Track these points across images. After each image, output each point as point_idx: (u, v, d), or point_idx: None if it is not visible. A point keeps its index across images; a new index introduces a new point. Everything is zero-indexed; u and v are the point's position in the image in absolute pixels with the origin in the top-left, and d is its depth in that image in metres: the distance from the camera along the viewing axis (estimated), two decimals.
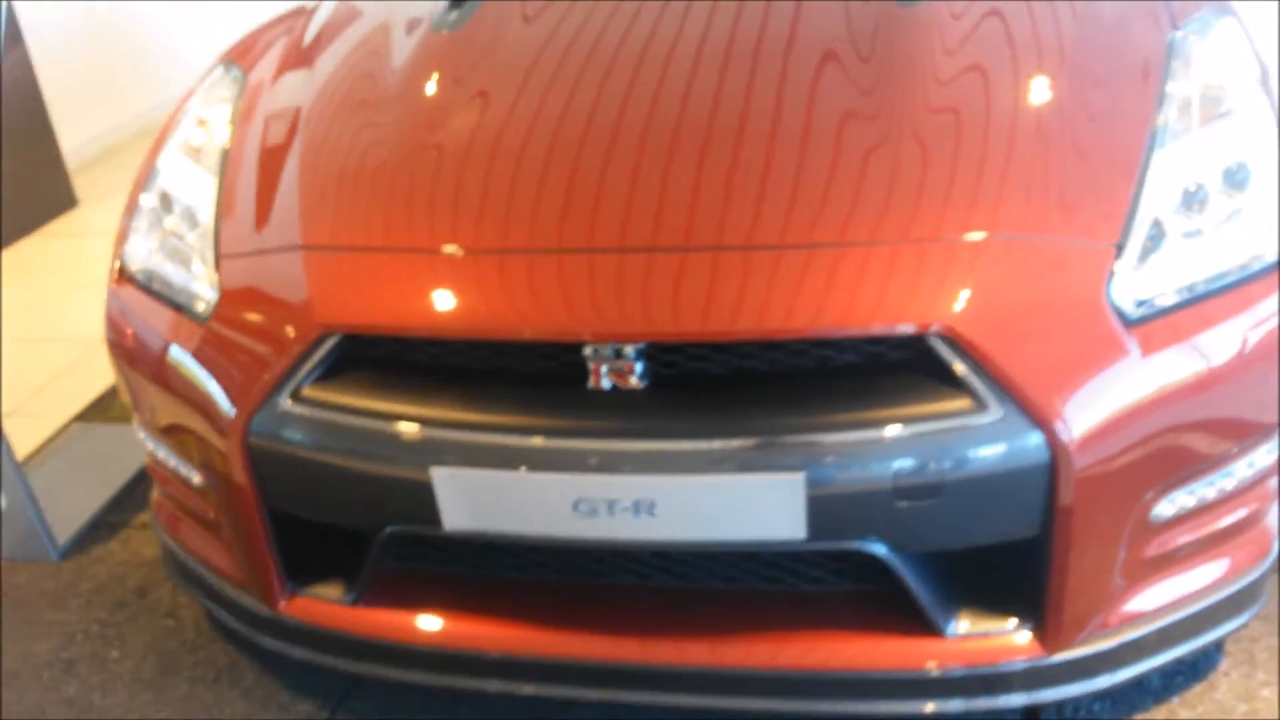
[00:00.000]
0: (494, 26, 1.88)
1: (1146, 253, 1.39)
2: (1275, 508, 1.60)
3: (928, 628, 1.44)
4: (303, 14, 2.17)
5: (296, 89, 1.86)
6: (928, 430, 1.29)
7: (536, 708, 1.68)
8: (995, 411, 1.29)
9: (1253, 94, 1.56)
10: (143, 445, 1.81)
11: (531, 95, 1.67)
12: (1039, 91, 1.56)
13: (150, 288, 1.69)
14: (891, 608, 1.45)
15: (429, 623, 1.57)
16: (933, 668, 1.42)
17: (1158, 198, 1.42)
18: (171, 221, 1.74)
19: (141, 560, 2.13)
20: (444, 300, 1.43)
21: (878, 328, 1.31)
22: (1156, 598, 1.48)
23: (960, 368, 1.30)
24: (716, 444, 1.31)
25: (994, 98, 1.55)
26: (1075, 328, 1.33)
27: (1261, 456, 1.48)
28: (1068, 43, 1.66)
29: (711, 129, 1.53)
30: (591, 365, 1.37)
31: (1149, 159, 1.45)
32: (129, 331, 1.69)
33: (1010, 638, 1.44)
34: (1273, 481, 1.56)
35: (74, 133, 4.38)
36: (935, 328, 1.30)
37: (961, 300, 1.31)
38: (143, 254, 1.73)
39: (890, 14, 1.73)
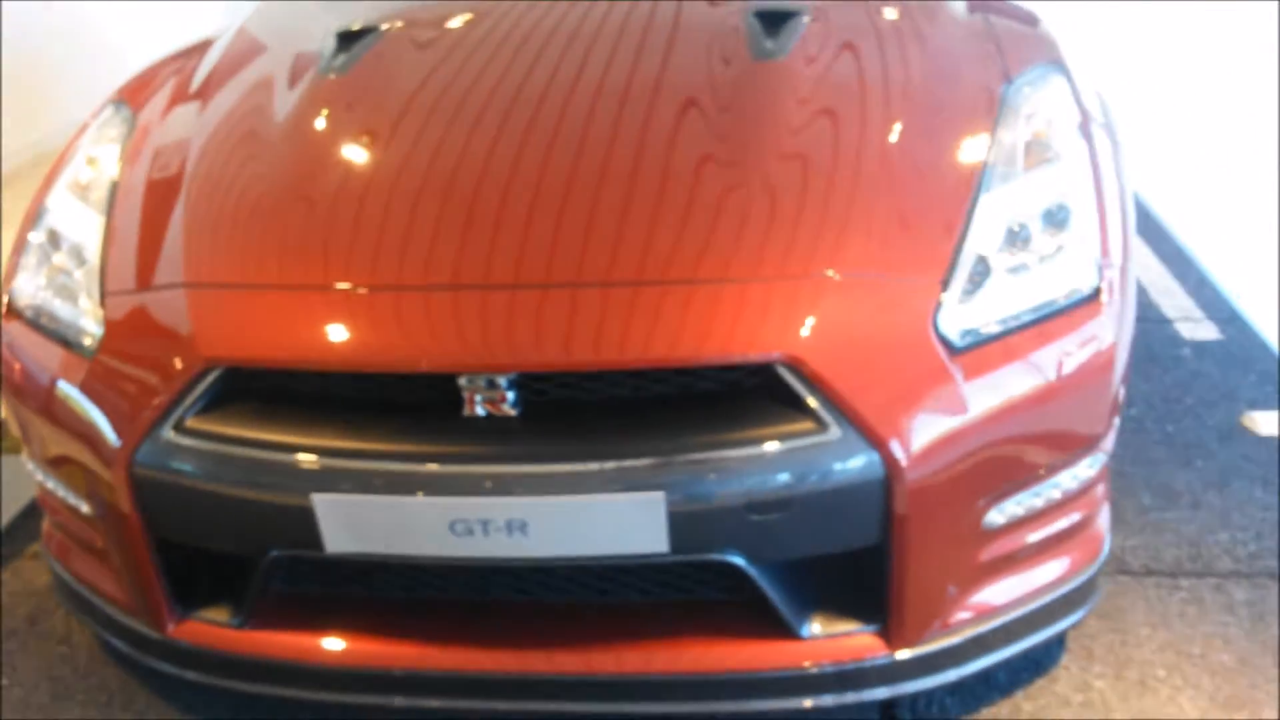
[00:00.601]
0: (377, 74, 1.96)
1: (971, 287, 1.52)
2: (1104, 512, 1.76)
3: (785, 631, 1.55)
4: (195, 53, 2.22)
5: (184, 129, 1.91)
6: (774, 450, 1.41)
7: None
8: (835, 432, 1.41)
9: (1074, 142, 1.72)
10: (33, 477, 1.84)
11: (406, 140, 1.76)
12: (879, 139, 1.69)
13: (38, 323, 1.72)
14: (752, 614, 1.56)
15: (313, 642, 1.63)
16: (789, 667, 1.54)
17: (982, 237, 1.56)
18: (59, 258, 1.77)
19: (33, 589, 2.14)
20: (321, 334, 1.50)
21: (727, 357, 1.42)
22: (995, 597, 1.61)
23: (803, 393, 1.42)
24: (582, 466, 1.41)
25: (839, 145, 1.68)
26: (906, 356, 1.46)
27: (1084, 469, 1.62)
28: (908, 93, 1.80)
29: (575, 171, 1.64)
30: (466, 394, 1.46)
31: (975, 202, 1.59)
32: (17, 366, 1.72)
33: (858, 638, 1.56)
34: (1100, 488, 1.72)
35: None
36: (780, 356, 1.42)
37: (804, 332, 1.43)
38: (30, 290, 1.77)
39: (748, 68, 1.86)
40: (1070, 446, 1.58)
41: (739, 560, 1.48)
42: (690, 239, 1.52)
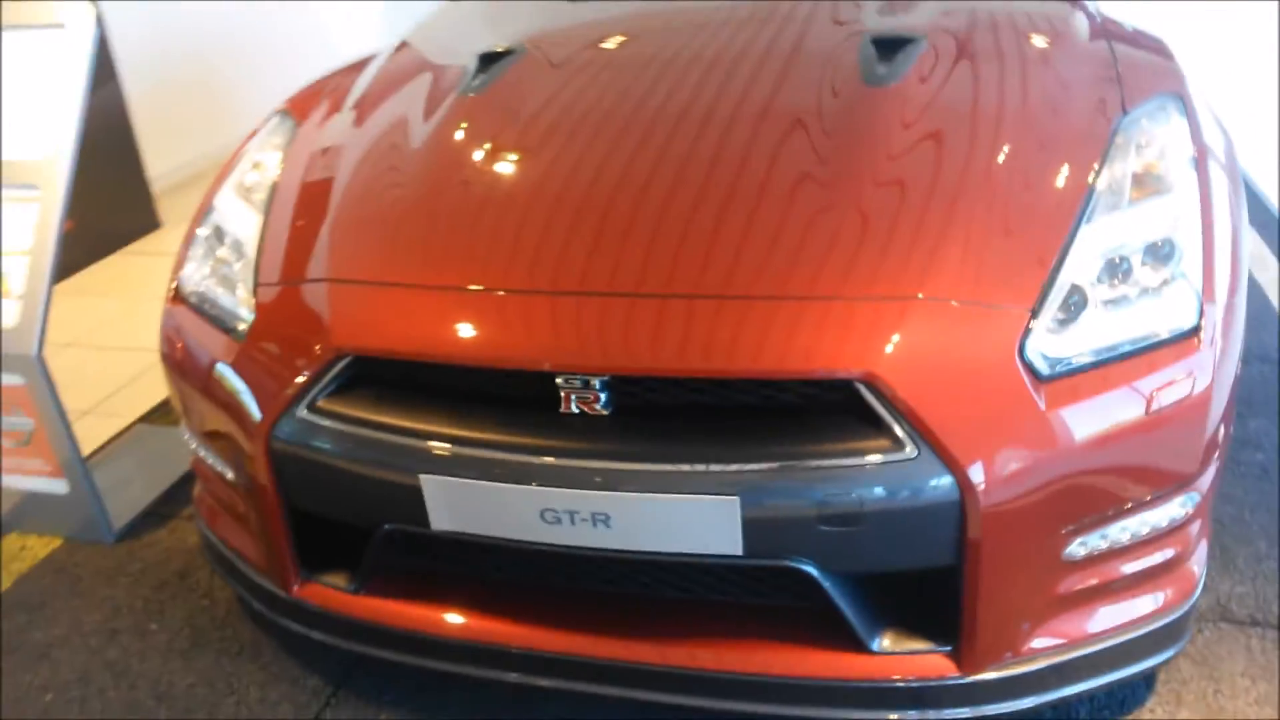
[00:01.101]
0: (512, 93, 2.10)
1: (1065, 317, 1.54)
2: (1200, 551, 1.73)
3: (855, 643, 1.60)
4: (354, 70, 2.43)
5: (338, 140, 2.10)
6: (850, 465, 1.46)
7: (517, 695, 1.87)
8: (910, 452, 1.46)
9: (1185, 176, 1.70)
10: (188, 446, 2.06)
11: (532, 156, 1.89)
12: (983, 166, 1.72)
13: (200, 309, 1.93)
14: (823, 624, 1.62)
15: (420, 612, 1.77)
16: (857, 678, 1.58)
17: (1078, 267, 1.57)
18: (222, 252, 1.99)
19: (185, 547, 2.38)
20: (439, 330, 1.64)
21: (807, 373, 1.49)
22: (1074, 629, 1.61)
23: (881, 411, 1.47)
24: (661, 467, 1.50)
25: (940, 170, 1.71)
26: (988, 381, 1.49)
27: (1175, 508, 1.61)
28: (1019, 120, 1.82)
29: (678, 188, 1.73)
30: (563, 393, 1.57)
31: (1075, 232, 1.61)
32: (179, 346, 1.93)
33: (929, 657, 1.59)
34: (1195, 527, 1.69)
35: (160, 160, 4.74)
36: (859, 374, 1.47)
37: (886, 352, 1.48)
38: (196, 279, 1.99)
39: (859, 93, 1.92)
40: (1159, 484, 1.57)
41: (810, 569, 1.54)
42: (780, 256, 1.59)
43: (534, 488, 1.55)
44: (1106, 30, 2.19)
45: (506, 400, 1.63)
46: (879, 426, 1.48)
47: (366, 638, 1.82)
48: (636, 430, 1.55)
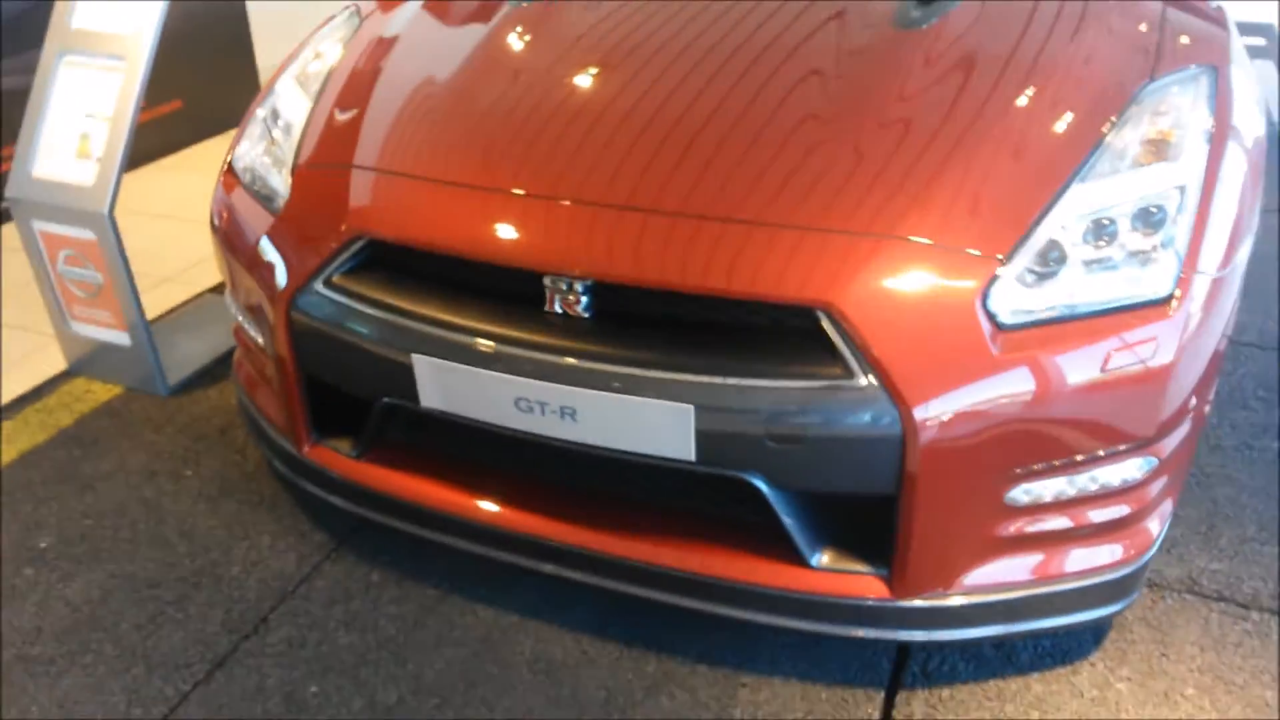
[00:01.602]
0: (556, 11, 2.18)
1: (1042, 271, 1.57)
2: (1159, 516, 1.75)
3: (797, 557, 1.69)
4: None
5: (393, 37, 2.22)
6: (799, 387, 1.54)
7: (497, 570, 2.01)
8: (860, 381, 1.52)
9: (1196, 147, 1.70)
10: (231, 313, 2.23)
11: (559, 70, 1.98)
12: (993, 112, 1.74)
13: (249, 185, 2.08)
14: (771, 536, 1.70)
15: (409, 483, 1.92)
16: (794, 589, 1.68)
17: (1061, 224, 1.60)
18: (276, 133, 2.13)
19: (229, 407, 2.58)
20: (447, 223, 1.75)
21: (774, 297, 1.56)
22: (1011, 572, 1.67)
23: (838, 341, 1.54)
24: (626, 370, 1.59)
25: (948, 115, 1.74)
26: (945, 324, 1.53)
27: (1130, 470, 1.64)
28: (1044, 73, 1.83)
29: (688, 114, 1.80)
30: (548, 293, 1.68)
31: (1066, 189, 1.63)
32: (225, 217, 2.09)
33: (863, 578, 1.67)
34: (1153, 491, 1.71)
35: (269, 52, 4.92)
36: (822, 303, 1.54)
37: (849, 285, 1.54)
38: (249, 157, 2.13)
39: (887, 34, 1.94)
40: (1110, 443, 1.60)
41: (759, 482, 1.63)
42: (768, 184, 1.65)
43: (510, 376, 1.66)
44: None
45: (499, 294, 1.74)
46: (834, 354, 1.54)
47: (361, 500, 1.98)
48: (608, 334, 1.64)
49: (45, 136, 2.49)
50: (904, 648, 1.86)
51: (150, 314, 2.87)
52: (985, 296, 1.55)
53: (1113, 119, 1.73)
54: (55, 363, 2.77)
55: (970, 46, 1.91)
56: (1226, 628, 1.89)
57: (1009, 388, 1.53)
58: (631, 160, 1.74)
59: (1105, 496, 1.66)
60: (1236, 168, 1.75)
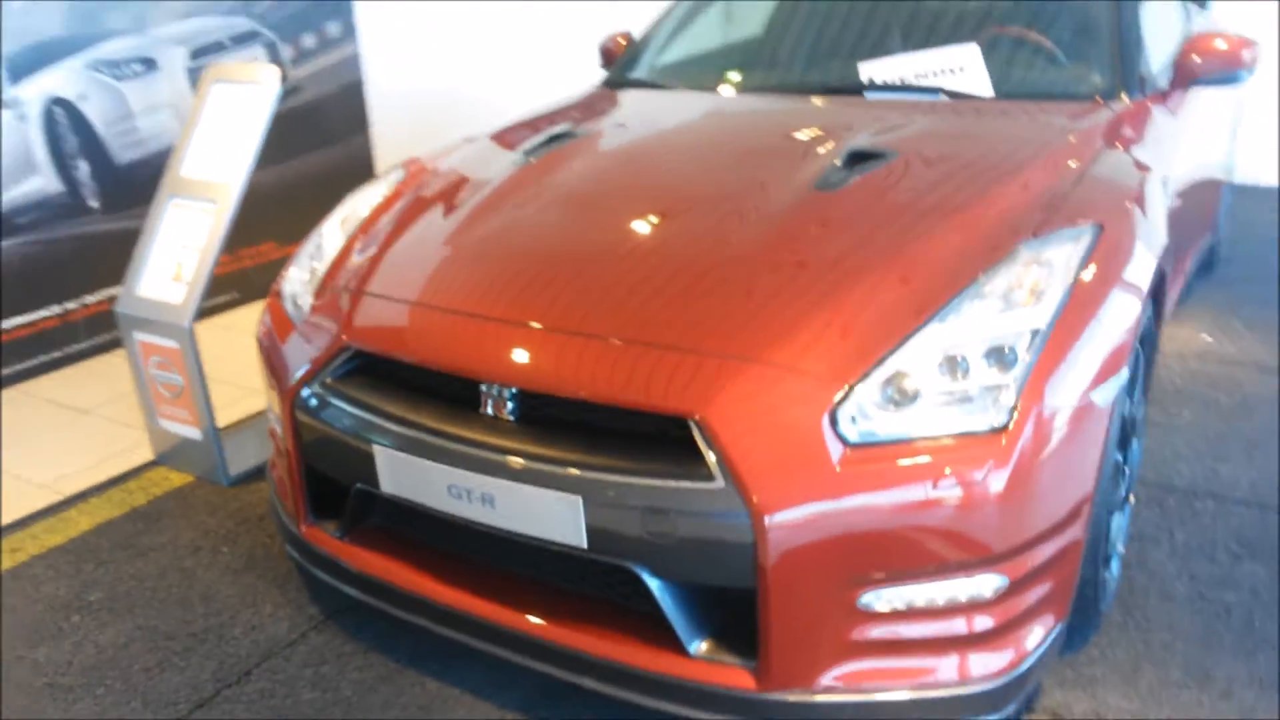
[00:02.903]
0: (548, 165, 2.58)
1: (893, 397, 1.78)
2: (1027, 638, 1.86)
3: (677, 645, 1.88)
4: (466, 142, 2.99)
5: (417, 190, 2.65)
6: (667, 485, 1.77)
7: (456, 650, 2.26)
8: (719, 484, 1.75)
9: (1052, 298, 1.88)
10: (269, 416, 2.63)
11: (525, 217, 2.35)
12: (877, 260, 1.99)
13: (286, 305, 2.50)
14: (658, 624, 1.90)
15: (378, 562, 2.21)
16: (667, 673, 1.86)
17: (911, 358, 1.80)
18: (314, 264, 2.56)
19: (267, 498, 2.96)
20: (409, 338, 2.11)
21: (659, 407, 1.81)
22: (868, 675, 1.81)
23: (704, 447, 1.77)
24: (531, 464, 1.87)
25: (834, 264, 2.00)
26: (795, 439, 1.75)
27: (979, 586, 1.78)
28: (939, 225, 2.06)
29: (621, 254, 2.13)
30: (483, 398, 1.99)
31: (924, 327, 1.84)
32: (265, 331, 2.51)
33: (734, 670, 1.84)
34: (1016, 606, 1.83)
35: (386, 158, 5.54)
36: (694, 415, 1.78)
37: (716, 400, 1.78)
38: (291, 283, 2.56)
39: (804, 195, 2.24)
40: (948, 560, 1.75)
41: (642, 571, 1.85)
42: (666, 313, 1.94)
43: (444, 466, 1.96)
44: (1103, 139, 2.38)
45: (448, 397, 2.06)
46: (699, 460, 1.78)
47: (341, 576, 2.29)
48: (525, 434, 1.93)
49: (150, 263, 3.02)
50: None
51: (231, 417, 3.33)
52: (834, 417, 1.76)
53: (988, 268, 1.94)
54: (146, 454, 3.24)
55: (878, 203, 2.18)
56: None
57: (850, 499, 1.72)
58: (563, 291, 2.06)
59: (958, 610, 1.80)
60: (1104, 313, 1.92)
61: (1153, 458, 3.03)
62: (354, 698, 2.17)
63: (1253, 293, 4.38)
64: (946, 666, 1.83)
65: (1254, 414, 3.28)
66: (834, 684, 1.81)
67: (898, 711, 1.82)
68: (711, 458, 1.76)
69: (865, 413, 1.77)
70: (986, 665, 1.84)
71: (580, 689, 1.98)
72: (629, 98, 3.25)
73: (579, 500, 1.83)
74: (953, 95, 2.86)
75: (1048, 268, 1.95)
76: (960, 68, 2.91)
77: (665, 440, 1.84)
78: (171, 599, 2.52)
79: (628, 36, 3.78)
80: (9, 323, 4.01)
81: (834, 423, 1.76)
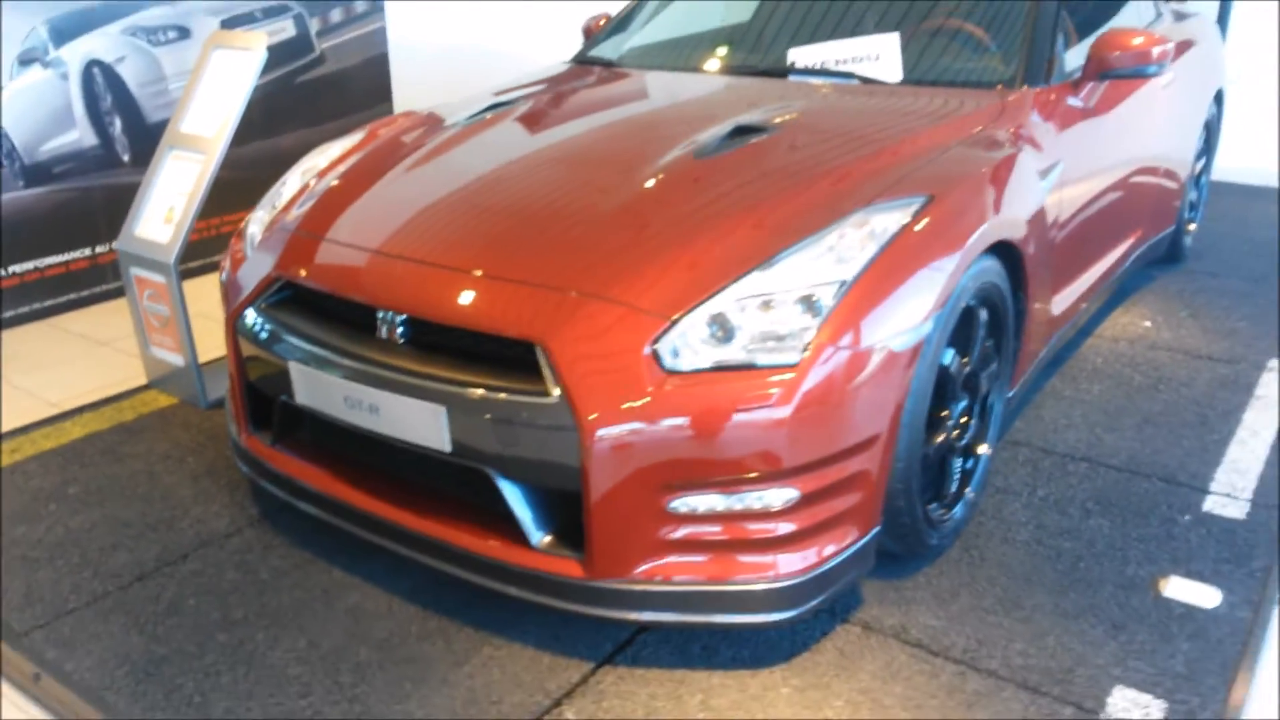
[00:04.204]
0: (479, 128, 2.89)
1: (720, 333, 2.05)
2: (819, 544, 2.12)
3: (522, 539, 2.19)
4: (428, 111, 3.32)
5: (364, 150, 2.98)
6: (511, 398, 2.08)
7: (364, 546, 2.59)
8: (553, 398, 2.04)
9: (865, 253, 2.14)
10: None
11: (447, 172, 2.66)
12: (723, 218, 2.26)
13: (244, 240, 2.86)
14: (511, 520, 2.21)
15: (298, 466, 2.56)
16: (511, 562, 2.17)
17: (736, 299, 2.07)
18: (274, 205, 2.91)
19: None
20: (324, 271, 2.44)
21: (513, 333, 2.12)
22: (677, 569, 2.10)
23: (544, 367, 2.07)
24: (406, 378, 2.19)
25: (691, 218, 2.27)
26: (620, 363, 2.04)
27: (774, 498, 2.05)
28: (789, 190, 2.33)
29: (506, 208, 2.43)
30: (378, 323, 2.31)
31: (747, 274, 2.11)
32: (227, 264, 2.86)
33: (567, 561, 2.14)
34: (808, 517, 2.09)
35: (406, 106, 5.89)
36: (537, 339, 2.08)
37: (560, 330, 2.08)
38: (254, 220, 2.91)
39: (684, 160, 2.52)
40: (744, 472, 2.02)
41: (493, 473, 2.16)
42: (528, 254, 2.25)
43: (342, 380, 2.29)
44: (984, 123, 2.66)
45: (353, 323, 2.39)
46: (542, 379, 2.08)
47: (270, 478, 2.64)
48: (406, 354, 2.25)
49: (148, 208, 3.41)
50: (635, 633, 2.28)
51: (216, 351, 3.71)
52: (656, 347, 2.04)
53: (821, 227, 2.20)
54: (141, 378, 3.64)
55: (743, 169, 2.45)
56: (905, 667, 2.20)
57: (662, 416, 2.01)
58: (449, 234, 2.38)
59: (755, 516, 2.07)
60: (907, 276, 2.17)
61: (1045, 425, 3.24)
62: (269, 580, 2.51)
63: (1211, 285, 4.52)
64: (746, 565, 2.10)
65: (1160, 394, 3.46)
66: (647, 574, 2.10)
67: (703, 601, 2.11)
68: (550, 377, 2.06)
69: (687, 344, 2.05)
70: (783, 566, 2.11)
71: (456, 580, 2.29)
72: (580, 74, 3.54)
73: (443, 410, 2.14)
74: (864, 80, 3.10)
75: (870, 230, 2.20)
76: (877, 55, 3.14)
77: (518, 362, 2.14)
78: (136, 495, 2.90)
79: (607, 17, 4.07)
80: (43, 261, 4.45)
81: (656, 352, 2.04)
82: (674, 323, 2.06)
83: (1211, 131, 4.91)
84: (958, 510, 2.60)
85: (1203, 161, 4.88)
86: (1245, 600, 2.40)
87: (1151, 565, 2.53)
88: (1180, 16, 4.61)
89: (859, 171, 2.44)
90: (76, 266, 4.59)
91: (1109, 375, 3.61)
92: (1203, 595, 2.41)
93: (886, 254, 2.16)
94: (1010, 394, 2.87)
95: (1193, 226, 4.95)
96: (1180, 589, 2.44)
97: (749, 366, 2.03)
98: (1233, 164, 6.75)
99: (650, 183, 2.45)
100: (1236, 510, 2.77)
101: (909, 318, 2.16)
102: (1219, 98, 4.84)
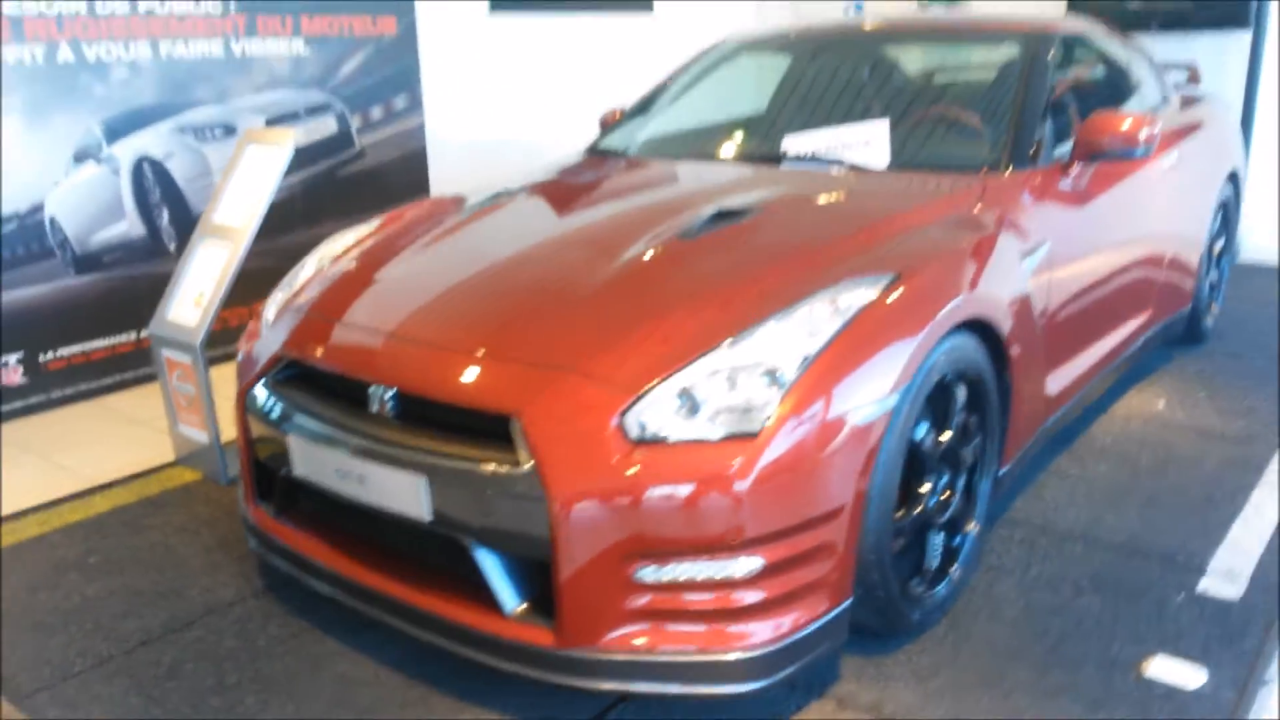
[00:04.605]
0: (478, 217, 3.05)
1: (683, 405, 2.13)
2: (789, 615, 2.15)
3: (496, 607, 2.25)
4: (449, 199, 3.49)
5: (376, 237, 3.14)
6: (487, 468, 2.17)
7: (360, 618, 2.67)
8: (526, 468, 2.13)
9: (828, 329, 2.22)
10: None
11: (436, 258, 2.81)
12: (694, 297, 2.36)
13: (262, 320, 3.01)
14: (485, 589, 2.28)
15: (297, 537, 2.66)
16: (484, 630, 2.23)
17: (706, 373, 2.16)
18: (289, 289, 3.07)
19: None
20: (326, 350, 2.58)
21: (491, 406, 2.22)
22: (645, 638, 2.14)
23: (519, 438, 2.16)
24: (390, 449, 2.29)
25: (662, 299, 2.38)
26: (590, 438, 2.12)
27: (740, 567, 2.10)
28: (760, 271, 2.43)
29: (490, 290, 2.57)
30: (370, 398, 2.43)
31: (714, 350, 2.19)
32: (245, 342, 3.02)
33: (539, 629, 2.20)
34: (775, 587, 2.13)
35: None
36: (513, 412, 2.18)
37: (534, 403, 2.18)
38: (272, 301, 3.07)
39: (668, 242, 2.63)
40: (709, 542, 2.08)
41: (470, 542, 2.24)
42: (510, 331, 2.37)
43: (334, 451, 2.41)
44: (962, 206, 2.75)
45: (349, 398, 2.51)
46: (515, 448, 2.17)
47: (274, 550, 2.74)
48: (394, 426, 2.36)
49: (179, 293, 3.61)
50: (613, 703, 2.32)
51: None
52: (623, 419, 2.13)
53: (787, 307, 2.29)
54: (170, 455, 3.80)
55: (721, 250, 2.56)
56: None
57: (629, 487, 2.08)
58: (439, 315, 2.52)
59: (720, 586, 2.12)
60: (872, 352, 2.24)
61: (1045, 504, 3.24)
62: (264, 647, 2.60)
63: (1231, 366, 4.49)
64: (714, 634, 2.14)
65: (1168, 474, 3.44)
66: (616, 643, 2.15)
67: (672, 670, 2.15)
68: (523, 448, 2.15)
69: (655, 416, 2.13)
70: (752, 636, 2.14)
71: (441, 651, 2.36)
72: (590, 163, 3.70)
73: (424, 479, 2.24)
74: (853, 166, 3.21)
75: (835, 307, 2.28)
76: (867, 141, 3.26)
77: (495, 435, 2.24)
78: (151, 565, 3.03)
79: (621, 112, 4.26)
80: (90, 345, 4.69)
81: (623, 425, 2.13)
82: (641, 395, 2.15)
83: (1230, 212, 4.93)
84: (941, 588, 2.61)
85: (1222, 242, 4.89)
86: (1231, 680, 2.36)
87: (1139, 645, 2.51)
88: (1189, 102, 4.67)
89: (833, 252, 2.53)
90: (122, 350, 4.82)
91: (1116, 454, 3.60)
92: (1187, 675, 2.38)
93: (851, 328, 2.24)
94: (1002, 471, 2.89)
95: (1215, 307, 4.94)
96: (1164, 668, 2.41)
97: (713, 439, 2.10)
98: (1262, 244, 6.73)
99: (633, 263, 2.57)
100: (1233, 590, 2.74)
101: (874, 391, 2.22)
102: (1234, 179, 4.86)
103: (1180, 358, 4.59)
